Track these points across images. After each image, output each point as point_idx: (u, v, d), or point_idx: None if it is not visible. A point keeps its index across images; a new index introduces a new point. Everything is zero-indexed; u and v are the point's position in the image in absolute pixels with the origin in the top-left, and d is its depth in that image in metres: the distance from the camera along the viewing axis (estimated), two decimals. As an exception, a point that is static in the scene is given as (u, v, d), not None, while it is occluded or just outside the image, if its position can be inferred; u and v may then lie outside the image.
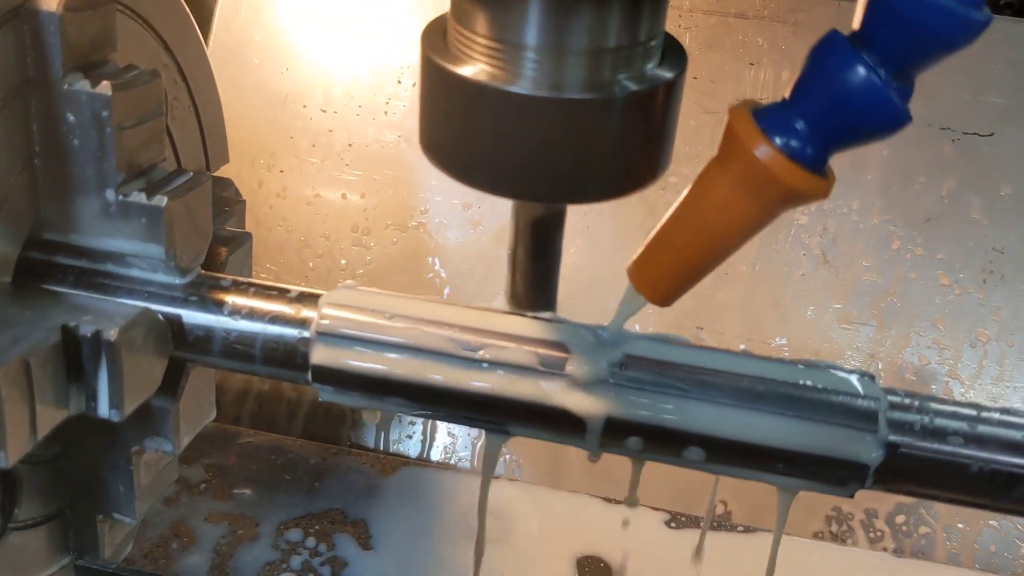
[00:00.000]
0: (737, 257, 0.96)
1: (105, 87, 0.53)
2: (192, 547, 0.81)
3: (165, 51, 0.67)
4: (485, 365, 0.54)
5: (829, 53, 0.44)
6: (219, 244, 0.65)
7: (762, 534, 0.86)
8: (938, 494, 0.53)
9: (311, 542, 0.82)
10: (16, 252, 0.56)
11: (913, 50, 0.43)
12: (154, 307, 0.57)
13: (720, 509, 0.88)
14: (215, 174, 0.76)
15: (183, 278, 0.58)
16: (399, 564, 0.81)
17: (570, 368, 0.53)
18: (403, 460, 0.91)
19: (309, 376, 0.57)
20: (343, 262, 0.96)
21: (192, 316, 0.58)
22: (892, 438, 0.52)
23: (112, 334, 0.53)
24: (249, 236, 0.68)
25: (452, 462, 0.91)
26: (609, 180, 0.50)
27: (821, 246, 0.92)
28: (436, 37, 0.50)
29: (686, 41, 0.96)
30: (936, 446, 0.52)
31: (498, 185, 0.50)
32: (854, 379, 0.54)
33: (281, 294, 0.58)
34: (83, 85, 0.53)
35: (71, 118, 0.54)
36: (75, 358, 0.53)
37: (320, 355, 0.56)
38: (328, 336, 0.56)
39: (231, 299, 0.58)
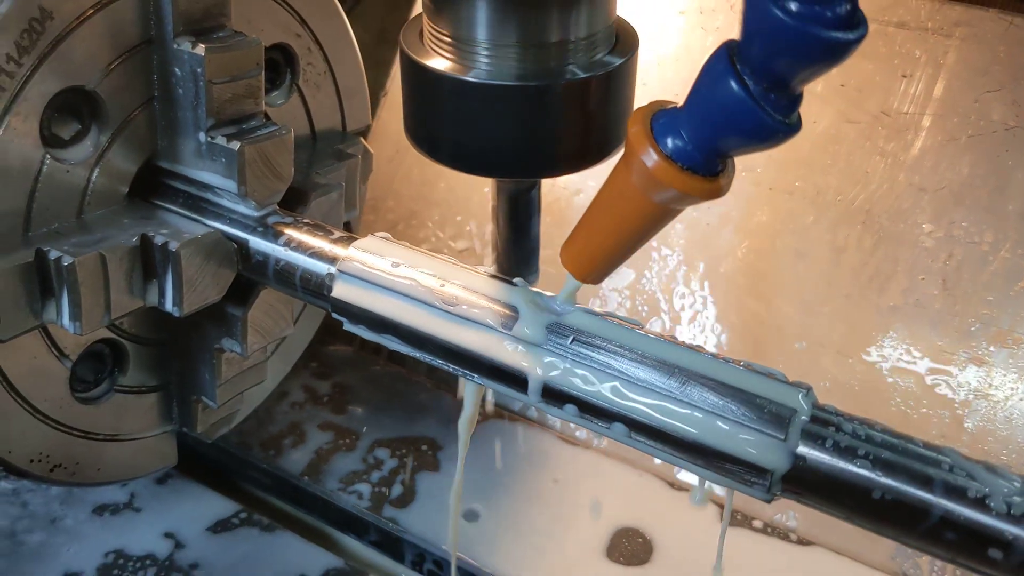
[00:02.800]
0: (847, 271, 0.93)
1: (200, 49, 0.66)
2: (300, 446, 0.95)
3: (299, 23, 0.79)
4: (455, 318, 0.61)
5: (710, 63, 0.46)
6: (309, 189, 0.77)
7: (818, 549, 0.86)
8: (843, 514, 0.54)
9: (394, 462, 0.93)
10: (134, 170, 0.71)
11: (783, 66, 0.44)
12: (228, 230, 0.70)
13: (782, 517, 0.88)
14: (350, 131, 0.88)
15: (258, 212, 0.71)
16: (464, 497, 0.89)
17: (515, 330, 0.59)
18: (502, 413, 0.99)
19: (330, 307, 0.67)
20: (473, 223, 1.05)
21: (256, 243, 0.70)
22: (801, 449, 0.53)
23: (175, 246, 0.66)
24: (339, 187, 0.79)
25: (541, 420, 0.98)
26: (558, 158, 0.56)
27: (943, 272, 0.88)
28: (412, 34, 0.58)
29: (845, 48, 0.95)
30: (841, 464, 0.52)
31: (459, 162, 0.57)
32: (786, 389, 0.55)
33: (326, 235, 0.69)
34: (186, 46, 0.67)
35: (177, 71, 0.68)
36: (151, 261, 0.67)
37: (339, 290, 0.66)
38: (347, 275, 0.66)
39: (288, 232, 0.70)
